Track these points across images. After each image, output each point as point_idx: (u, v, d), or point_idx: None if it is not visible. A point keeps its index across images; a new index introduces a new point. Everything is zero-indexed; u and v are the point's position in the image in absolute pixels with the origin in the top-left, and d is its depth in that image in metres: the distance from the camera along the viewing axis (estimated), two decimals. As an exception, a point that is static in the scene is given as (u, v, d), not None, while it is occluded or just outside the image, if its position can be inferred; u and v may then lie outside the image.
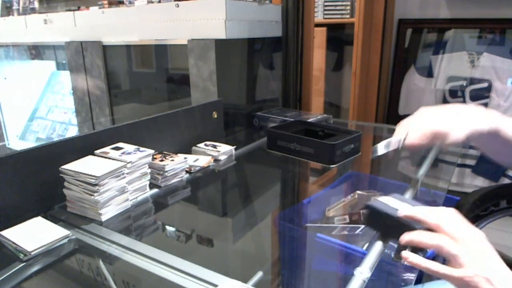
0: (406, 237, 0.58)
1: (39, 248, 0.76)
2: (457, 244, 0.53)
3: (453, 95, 1.84)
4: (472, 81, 1.78)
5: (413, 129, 0.73)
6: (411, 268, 0.72)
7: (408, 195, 0.85)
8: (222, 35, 1.45)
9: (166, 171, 1.05)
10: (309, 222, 0.93)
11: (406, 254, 0.58)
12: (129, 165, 0.92)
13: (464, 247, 0.52)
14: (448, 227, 0.55)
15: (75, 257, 0.78)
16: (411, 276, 0.66)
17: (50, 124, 2.80)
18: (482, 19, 1.73)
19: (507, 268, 0.52)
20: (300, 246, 0.83)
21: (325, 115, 1.65)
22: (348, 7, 2.60)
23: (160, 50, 1.76)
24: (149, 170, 1.00)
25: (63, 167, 0.88)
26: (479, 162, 1.81)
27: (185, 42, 1.54)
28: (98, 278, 0.73)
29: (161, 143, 1.20)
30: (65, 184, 0.89)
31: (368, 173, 1.16)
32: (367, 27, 1.89)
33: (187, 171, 1.14)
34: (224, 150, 1.27)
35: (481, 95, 1.76)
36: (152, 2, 1.67)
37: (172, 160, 1.08)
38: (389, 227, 0.63)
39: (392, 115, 2.00)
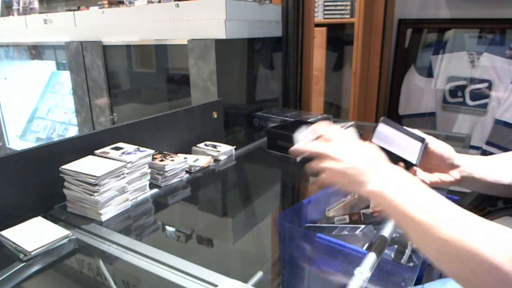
0: (296, 147, 0.69)
1: (39, 248, 0.76)
2: (325, 146, 0.65)
3: (453, 95, 1.84)
4: (472, 81, 1.78)
5: None
6: (411, 268, 0.72)
7: None
8: (222, 35, 1.45)
9: (166, 171, 1.05)
10: (309, 222, 0.93)
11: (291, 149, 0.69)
12: (129, 165, 0.92)
13: (330, 147, 0.64)
14: (325, 133, 0.67)
15: (75, 257, 0.78)
16: (411, 276, 0.66)
17: (50, 124, 2.80)
18: (482, 19, 1.73)
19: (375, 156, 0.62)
20: (300, 246, 0.83)
21: (325, 115, 1.65)
22: (348, 7, 2.60)
23: (160, 50, 1.76)
24: (149, 170, 1.00)
25: (63, 167, 0.88)
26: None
27: (185, 42, 1.54)
28: (98, 278, 0.73)
29: (161, 143, 1.20)
30: (65, 184, 0.89)
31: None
32: (367, 27, 1.89)
33: (187, 171, 1.14)
34: (224, 150, 1.27)
35: (481, 95, 1.76)
36: (152, 2, 1.67)
37: (172, 160, 1.08)
38: None
39: (392, 115, 2.00)
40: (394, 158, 0.70)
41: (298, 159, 0.69)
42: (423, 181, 0.73)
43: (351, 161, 0.62)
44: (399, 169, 0.60)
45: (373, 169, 0.60)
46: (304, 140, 0.70)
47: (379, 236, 0.69)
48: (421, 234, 0.51)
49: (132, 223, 0.90)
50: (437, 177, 0.75)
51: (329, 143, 0.65)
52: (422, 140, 0.75)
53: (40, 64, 2.81)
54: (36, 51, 2.59)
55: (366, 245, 0.82)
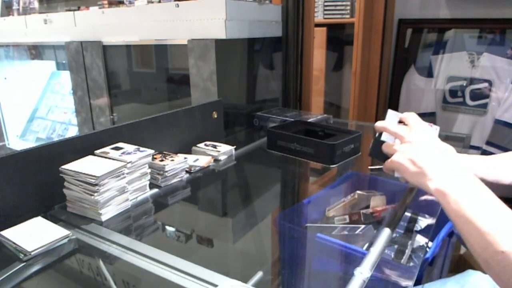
0: (377, 123, 0.74)
1: (39, 248, 0.76)
2: (407, 131, 0.69)
3: (453, 95, 1.84)
4: (472, 81, 1.78)
5: None
6: (411, 268, 0.72)
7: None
8: (222, 35, 1.45)
9: (166, 171, 1.05)
10: (309, 222, 0.93)
11: (377, 123, 0.74)
12: (129, 165, 0.92)
13: (411, 133, 0.68)
14: (411, 120, 0.71)
15: (75, 257, 0.78)
16: (411, 276, 0.66)
17: (50, 124, 2.80)
18: (482, 19, 1.72)
19: (442, 160, 0.62)
20: (300, 246, 0.83)
21: (325, 115, 1.65)
22: (348, 7, 2.60)
23: (160, 50, 1.76)
24: (149, 170, 1.00)
25: (63, 167, 0.88)
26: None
27: (185, 42, 1.54)
28: (98, 278, 0.73)
29: (161, 143, 1.20)
30: (65, 184, 0.89)
31: (368, 173, 1.16)
32: (367, 27, 1.89)
33: (187, 171, 1.14)
34: (224, 150, 1.27)
35: (481, 95, 1.76)
36: (152, 2, 1.67)
37: (172, 160, 1.08)
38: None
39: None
40: None
41: (379, 136, 0.76)
42: None
43: (425, 151, 0.63)
44: (469, 172, 0.59)
45: (443, 166, 0.60)
46: (390, 121, 0.74)
47: (380, 235, 0.68)
48: (482, 243, 0.51)
49: (132, 223, 0.90)
50: None
51: (411, 130, 0.68)
52: None
53: (40, 64, 2.81)
54: (36, 51, 2.59)
55: (366, 245, 0.82)
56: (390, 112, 0.76)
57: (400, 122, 0.74)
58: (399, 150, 0.67)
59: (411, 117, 0.72)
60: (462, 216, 0.54)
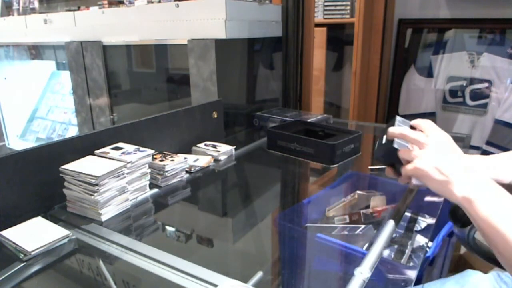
0: (392, 129, 0.69)
1: (39, 248, 0.76)
2: (426, 137, 0.65)
3: (453, 95, 1.84)
4: (472, 81, 1.78)
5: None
6: (411, 268, 0.72)
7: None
8: (222, 35, 1.45)
9: (166, 171, 1.05)
10: (309, 222, 0.93)
11: (391, 129, 0.70)
12: (129, 165, 0.92)
13: (430, 139, 0.65)
14: (426, 127, 0.68)
15: (75, 257, 0.78)
16: (411, 276, 0.66)
17: (50, 124, 2.80)
18: (482, 19, 1.73)
19: (461, 163, 0.61)
20: (300, 246, 0.83)
21: (325, 115, 1.65)
22: (348, 7, 2.59)
23: (160, 50, 1.76)
24: (149, 170, 1.00)
25: (63, 167, 0.88)
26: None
27: (185, 42, 1.54)
28: (98, 278, 0.73)
29: (161, 143, 1.20)
30: (65, 184, 0.89)
31: (368, 173, 1.16)
32: (367, 27, 1.89)
33: (187, 171, 1.14)
34: (224, 150, 1.27)
35: (481, 95, 1.76)
36: (152, 2, 1.67)
37: (172, 160, 1.08)
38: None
39: (392, 115, 2.00)
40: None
41: (384, 140, 0.71)
42: None
43: (449, 159, 0.61)
44: (490, 179, 0.59)
45: (467, 173, 0.59)
46: (403, 126, 0.71)
47: (380, 235, 0.69)
48: (510, 250, 0.51)
49: (132, 223, 0.90)
50: None
51: (428, 137, 0.66)
52: None
53: (40, 64, 2.81)
54: (36, 51, 2.59)
55: (366, 245, 0.82)
56: (398, 119, 0.73)
57: (412, 128, 0.71)
58: (419, 157, 0.64)
59: (426, 123, 0.69)
60: (489, 224, 0.53)
